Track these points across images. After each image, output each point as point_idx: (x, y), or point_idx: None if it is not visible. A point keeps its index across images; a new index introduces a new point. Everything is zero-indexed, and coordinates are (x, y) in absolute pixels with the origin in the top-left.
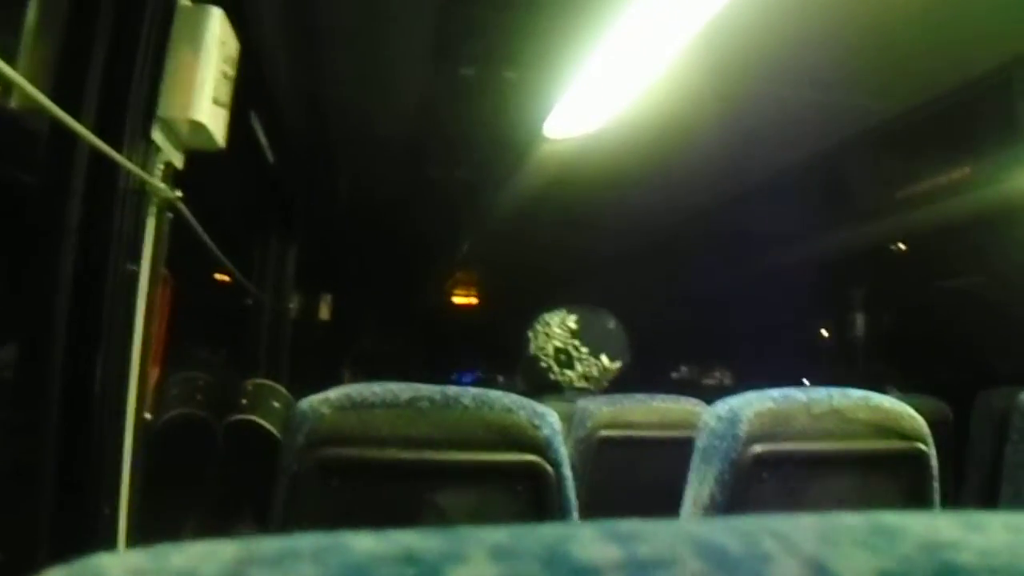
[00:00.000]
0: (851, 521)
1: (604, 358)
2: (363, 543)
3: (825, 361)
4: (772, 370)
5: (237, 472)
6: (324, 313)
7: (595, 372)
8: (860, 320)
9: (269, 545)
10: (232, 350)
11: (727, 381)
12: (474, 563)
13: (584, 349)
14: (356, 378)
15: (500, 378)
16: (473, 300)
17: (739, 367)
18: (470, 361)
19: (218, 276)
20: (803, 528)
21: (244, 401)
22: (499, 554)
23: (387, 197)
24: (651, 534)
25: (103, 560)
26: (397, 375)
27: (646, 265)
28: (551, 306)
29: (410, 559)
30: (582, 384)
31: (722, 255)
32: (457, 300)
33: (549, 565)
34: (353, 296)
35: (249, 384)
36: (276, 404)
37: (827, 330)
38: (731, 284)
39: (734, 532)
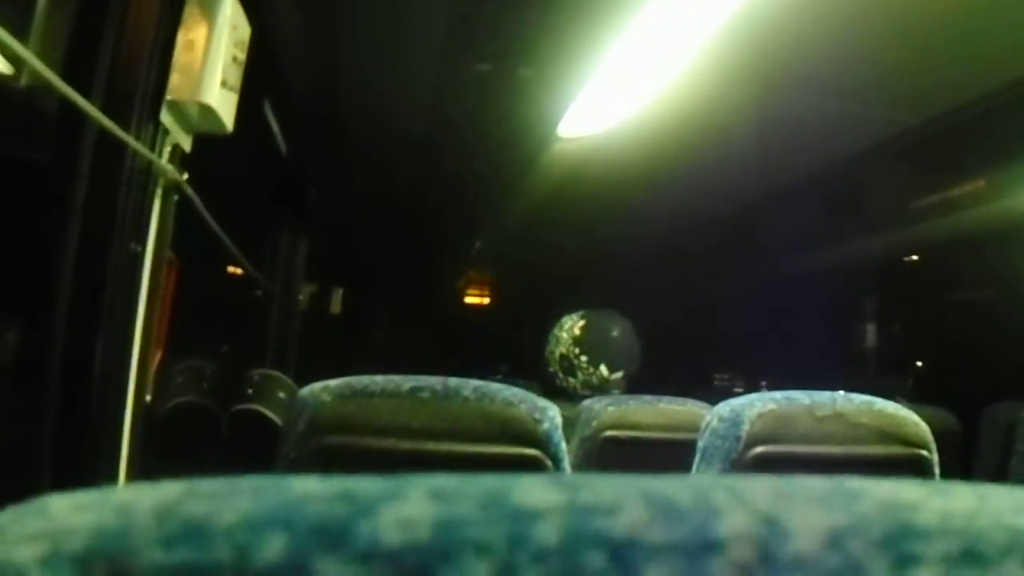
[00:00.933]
0: (811, 482)
1: (603, 368)
2: (304, 483)
3: (854, 368)
4: (816, 377)
5: (241, 461)
6: (335, 306)
7: (595, 381)
8: (872, 330)
9: (212, 483)
10: (236, 339)
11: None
12: (411, 503)
13: (584, 358)
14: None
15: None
16: (486, 299)
17: (788, 374)
18: (490, 361)
19: (230, 268)
20: (759, 485)
21: (250, 391)
22: (438, 495)
23: (402, 192)
24: (598, 484)
25: (52, 500)
26: (410, 372)
27: (668, 267)
28: (567, 306)
29: (347, 497)
30: (586, 392)
31: (740, 259)
32: (470, 299)
33: (487, 507)
34: (365, 290)
35: (255, 374)
36: (281, 395)
37: (849, 339)
38: (754, 289)
39: (686, 486)
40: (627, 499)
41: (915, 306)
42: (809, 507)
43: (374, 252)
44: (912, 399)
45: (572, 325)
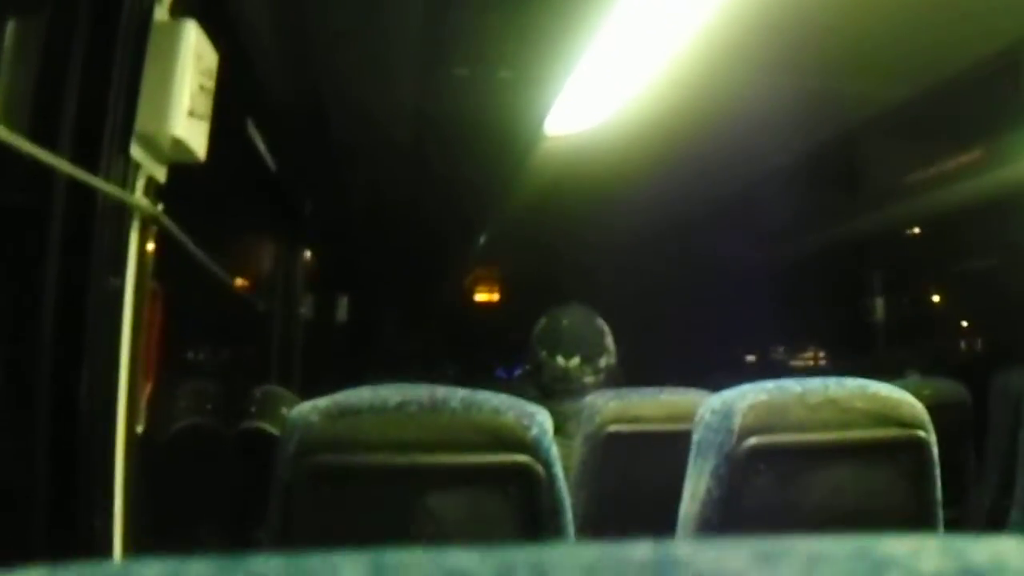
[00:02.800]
0: (634, 551)
1: (559, 358)
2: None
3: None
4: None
5: (248, 479)
6: (341, 315)
7: (558, 373)
8: (880, 304)
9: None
10: (239, 356)
11: (822, 362)
12: None
13: (543, 353)
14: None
15: None
16: (495, 296)
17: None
18: (504, 358)
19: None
20: (567, 560)
21: (253, 408)
22: None
23: (396, 197)
24: (412, 566)
25: None
26: (424, 374)
27: (674, 255)
28: (577, 298)
29: None
30: (559, 387)
31: (743, 243)
32: (479, 296)
33: None
34: (371, 296)
35: (258, 391)
36: (285, 410)
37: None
38: (761, 271)
39: (491, 563)
40: None
41: (920, 278)
42: None
43: (376, 257)
44: (922, 371)
45: (536, 328)
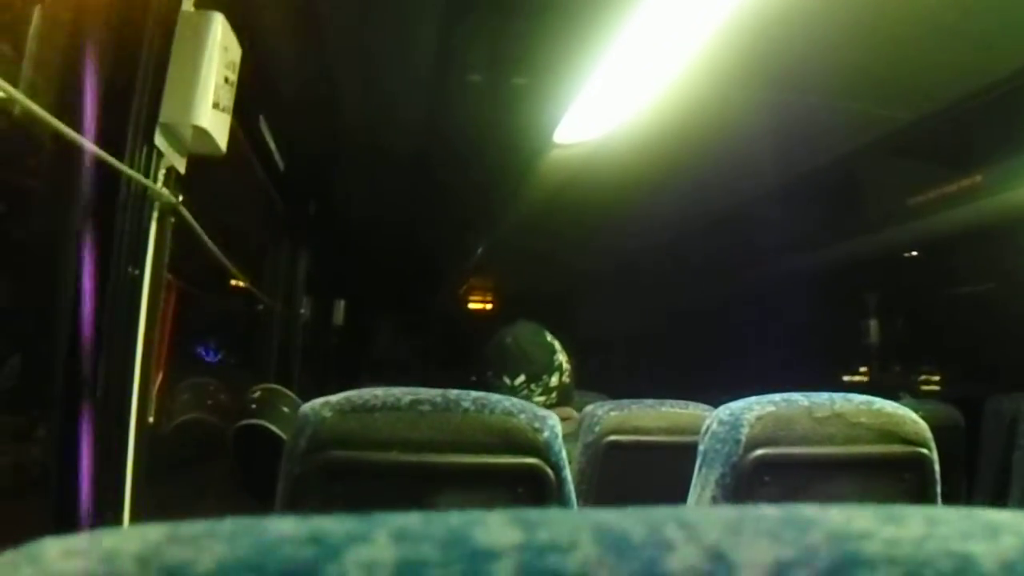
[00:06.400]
0: (767, 512)
1: (505, 378)
2: (276, 526)
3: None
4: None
5: (247, 476)
6: (338, 318)
7: (506, 393)
8: (875, 326)
9: (193, 527)
10: (240, 354)
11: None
12: (376, 545)
13: (488, 373)
14: (374, 383)
15: None
16: (489, 305)
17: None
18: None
19: (233, 282)
20: (713, 517)
21: (253, 406)
22: (401, 536)
23: (401, 202)
24: (557, 520)
25: (45, 545)
26: (420, 380)
27: (671, 270)
28: (572, 309)
29: (314, 540)
30: None
31: (739, 260)
32: (474, 304)
33: (449, 548)
34: (368, 301)
35: (257, 389)
36: (284, 408)
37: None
38: (755, 290)
39: (641, 520)
40: (581, 536)
41: (916, 301)
42: (758, 540)
43: (376, 263)
44: (914, 394)
45: (485, 349)
